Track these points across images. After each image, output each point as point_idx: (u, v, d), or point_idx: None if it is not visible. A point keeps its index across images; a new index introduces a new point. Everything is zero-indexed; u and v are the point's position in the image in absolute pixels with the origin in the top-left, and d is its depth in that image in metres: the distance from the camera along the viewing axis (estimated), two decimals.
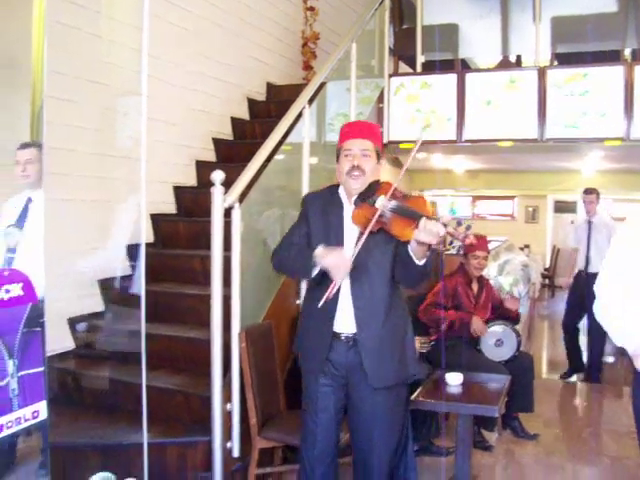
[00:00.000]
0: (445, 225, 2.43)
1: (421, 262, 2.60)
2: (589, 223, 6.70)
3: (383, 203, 2.62)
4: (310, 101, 4.34)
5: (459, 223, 2.48)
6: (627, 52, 6.17)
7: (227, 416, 3.46)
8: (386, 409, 2.92)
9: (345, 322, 2.85)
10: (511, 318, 4.91)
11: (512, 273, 10.26)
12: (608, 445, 4.75)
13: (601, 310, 2.73)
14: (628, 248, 2.72)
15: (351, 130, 2.92)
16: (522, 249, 13.40)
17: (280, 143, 4.01)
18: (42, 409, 1.86)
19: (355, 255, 2.70)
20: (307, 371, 3.00)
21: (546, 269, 14.43)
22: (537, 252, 14.28)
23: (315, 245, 2.78)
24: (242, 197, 3.54)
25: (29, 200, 3.01)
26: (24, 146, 2.80)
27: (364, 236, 2.67)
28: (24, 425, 1.79)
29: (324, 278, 2.75)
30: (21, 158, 2.81)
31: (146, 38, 2.87)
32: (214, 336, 3.34)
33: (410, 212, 2.57)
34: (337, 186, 2.97)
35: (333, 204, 2.92)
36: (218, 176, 3.30)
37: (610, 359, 8.10)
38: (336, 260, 2.69)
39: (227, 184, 3.43)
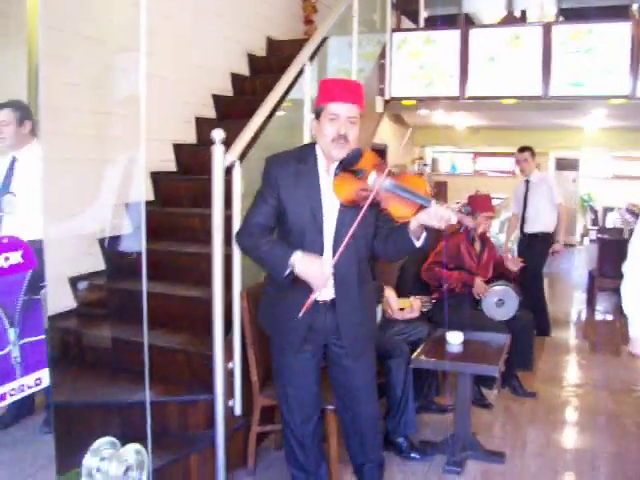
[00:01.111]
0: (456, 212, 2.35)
1: (419, 242, 2.52)
2: (526, 182, 6.56)
3: (380, 182, 2.44)
4: (311, 57, 4.26)
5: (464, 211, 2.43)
6: (635, 7, 6.05)
7: (228, 374, 3.47)
8: (367, 369, 2.94)
9: (325, 290, 2.71)
10: (511, 278, 4.90)
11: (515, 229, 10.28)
12: (605, 403, 4.79)
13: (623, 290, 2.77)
14: None
15: (338, 91, 2.63)
16: None
17: (281, 100, 3.95)
18: (44, 376, 1.85)
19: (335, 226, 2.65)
20: (285, 344, 2.87)
21: None
22: None
23: (291, 223, 2.67)
24: (243, 155, 3.49)
25: (14, 159, 2.97)
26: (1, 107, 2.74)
27: (356, 223, 2.48)
28: (27, 392, 1.78)
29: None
30: None
31: None
32: (215, 295, 3.32)
33: (413, 195, 2.42)
34: (311, 146, 2.77)
35: (307, 171, 2.69)
36: (218, 134, 3.24)
37: (609, 317, 8.15)
38: (316, 272, 2.55)
39: (227, 141, 3.38)
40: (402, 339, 4.02)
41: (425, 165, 12.59)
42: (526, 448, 3.99)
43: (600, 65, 5.36)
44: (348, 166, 2.55)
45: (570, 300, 9.62)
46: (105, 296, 4.31)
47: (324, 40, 4.66)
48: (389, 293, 4.16)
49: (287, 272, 2.60)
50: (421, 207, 2.40)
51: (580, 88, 5.44)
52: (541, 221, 6.45)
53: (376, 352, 3.09)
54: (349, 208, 2.58)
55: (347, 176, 2.54)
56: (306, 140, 4.22)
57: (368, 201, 2.45)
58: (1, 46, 2.97)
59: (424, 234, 2.52)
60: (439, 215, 2.34)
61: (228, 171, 3.39)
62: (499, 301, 4.67)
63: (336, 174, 2.60)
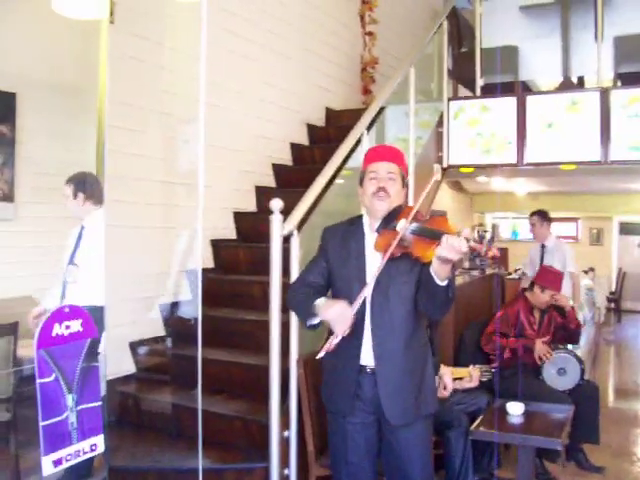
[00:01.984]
0: (468, 240, 2.31)
1: (443, 282, 2.47)
2: (542, 247, 6.45)
3: (404, 226, 2.54)
4: (369, 126, 4.34)
5: (481, 238, 2.46)
6: None
7: (284, 443, 3.45)
8: (418, 442, 2.81)
9: (370, 354, 2.74)
10: (573, 332, 4.78)
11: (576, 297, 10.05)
12: None
13: None
14: None
15: (376, 153, 2.88)
16: (586, 272, 13.13)
17: (339, 169, 4.02)
18: (100, 442, 1.89)
19: (375, 280, 2.63)
20: (335, 413, 2.87)
21: (612, 292, 14.07)
22: (602, 275, 13.94)
23: (338, 281, 2.78)
24: (301, 223, 3.55)
25: (82, 228, 3.12)
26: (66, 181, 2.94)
27: (384, 261, 2.56)
28: (82, 457, 1.82)
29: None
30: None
31: (203, 66, 2.93)
32: (273, 362, 3.34)
33: (431, 232, 2.47)
34: (359, 217, 2.91)
35: (354, 233, 2.84)
36: (277, 204, 3.31)
37: None
38: (337, 313, 2.56)
39: (286, 209, 3.44)
40: (461, 409, 3.94)
41: (485, 232, 12.49)
42: None
43: None
44: (387, 223, 2.66)
45: (638, 369, 9.27)
46: (164, 361, 4.37)
47: (382, 109, 4.74)
48: (444, 370, 4.04)
49: (315, 319, 2.67)
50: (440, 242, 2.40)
51: (639, 152, 5.37)
52: None
53: (434, 423, 3.03)
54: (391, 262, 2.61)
55: (385, 232, 2.64)
56: (363, 208, 4.26)
57: (395, 243, 2.53)
58: (77, 120, 3.15)
59: (449, 275, 2.49)
60: (449, 244, 2.32)
61: (286, 239, 3.44)
62: (560, 370, 4.55)
63: (379, 232, 2.68)
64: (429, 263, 2.47)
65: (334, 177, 3.96)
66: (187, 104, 3.86)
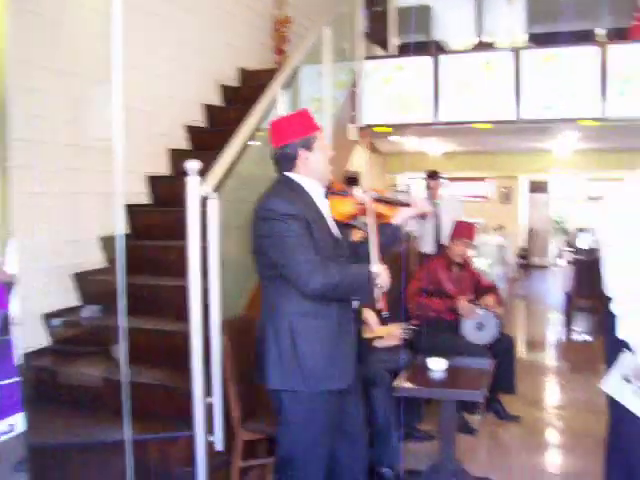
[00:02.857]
0: None
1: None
2: (434, 204, 6.48)
3: (368, 194, 2.80)
4: (284, 85, 4.26)
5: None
6: (599, 32, 6.14)
7: (209, 409, 3.41)
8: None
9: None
10: (490, 292, 4.90)
11: (488, 255, 10.35)
12: (590, 424, 4.76)
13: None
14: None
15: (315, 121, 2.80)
16: (496, 230, 13.50)
17: (255, 129, 3.93)
18: (18, 421, 1.78)
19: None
20: (337, 381, 2.66)
21: (521, 249, 14.55)
22: (511, 233, 14.36)
23: (318, 247, 2.58)
24: (218, 185, 3.45)
25: None
26: None
27: (375, 229, 2.72)
28: (1, 439, 1.72)
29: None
30: None
31: (117, 24, 2.78)
32: (193, 329, 3.27)
33: (395, 199, 2.90)
34: (288, 179, 2.72)
35: (303, 197, 2.68)
36: (193, 165, 3.22)
37: (587, 337, 8.18)
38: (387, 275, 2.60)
39: (202, 173, 3.35)
40: (383, 367, 3.97)
41: (401, 192, 12.65)
42: (513, 473, 3.96)
43: (570, 88, 5.42)
44: (333, 190, 2.83)
45: (547, 321, 9.65)
46: (81, 332, 4.22)
47: (296, 69, 4.65)
48: (368, 313, 4.12)
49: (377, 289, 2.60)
50: (400, 206, 2.89)
51: (551, 111, 5.49)
52: None
53: None
54: (342, 224, 2.82)
55: (335, 197, 2.81)
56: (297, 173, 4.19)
57: (369, 209, 2.76)
58: None
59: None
60: (420, 205, 2.91)
61: (203, 203, 3.35)
62: (479, 325, 4.65)
63: (327, 197, 2.79)
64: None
65: (250, 138, 3.87)
66: (95, 63, 3.69)
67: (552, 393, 5.80)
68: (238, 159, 3.70)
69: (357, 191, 2.81)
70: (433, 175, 6.63)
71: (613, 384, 2.93)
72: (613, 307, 2.84)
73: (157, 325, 4.01)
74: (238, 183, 3.81)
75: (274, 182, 2.76)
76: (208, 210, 3.37)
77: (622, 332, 2.80)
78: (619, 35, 5.92)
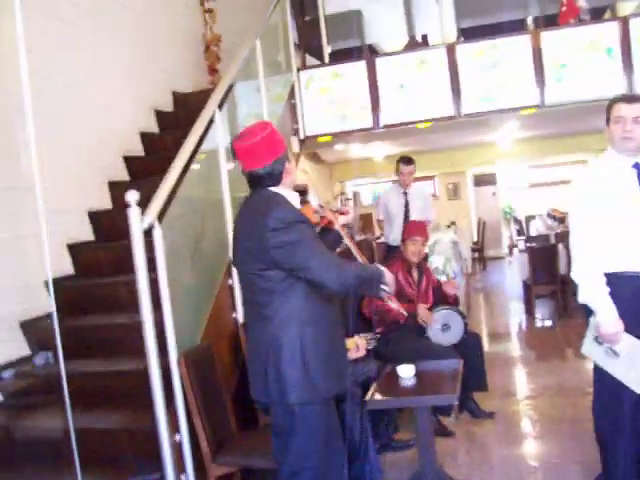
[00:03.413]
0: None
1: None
2: (405, 194, 6.31)
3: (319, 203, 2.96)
4: (220, 105, 4.14)
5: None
6: (529, 20, 6.19)
7: (177, 447, 3.26)
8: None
9: None
10: (450, 302, 4.83)
11: (443, 252, 10.35)
12: (564, 410, 4.74)
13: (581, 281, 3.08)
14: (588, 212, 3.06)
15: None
16: (448, 227, 13.55)
17: (194, 152, 3.80)
18: None
19: None
20: (334, 399, 2.78)
21: (475, 243, 14.64)
22: (463, 228, 14.46)
23: None
24: (162, 214, 3.32)
25: None
26: None
27: (343, 233, 2.97)
28: None
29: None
30: None
31: (23, 56, 2.63)
32: (151, 365, 3.11)
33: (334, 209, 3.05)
34: (277, 195, 2.71)
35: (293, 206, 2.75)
36: (132, 196, 3.07)
37: (549, 323, 8.22)
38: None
39: (144, 202, 3.21)
40: (352, 381, 3.86)
41: (348, 199, 12.61)
42: (494, 471, 3.89)
43: (507, 78, 5.44)
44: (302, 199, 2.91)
45: (508, 312, 9.69)
46: (33, 383, 4.02)
47: (231, 86, 4.54)
48: None
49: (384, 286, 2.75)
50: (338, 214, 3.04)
51: (491, 103, 5.50)
52: None
53: None
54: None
55: (306, 206, 2.94)
56: (225, 190, 4.08)
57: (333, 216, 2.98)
58: None
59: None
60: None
61: (148, 233, 3.21)
62: (444, 326, 4.58)
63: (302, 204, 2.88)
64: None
65: (190, 162, 3.74)
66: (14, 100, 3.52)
67: (522, 383, 5.76)
68: (179, 185, 3.55)
69: (314, 202, 2.92)
70: (406, 160, 6.23)
71: (589, 347, 3.15)
72: (574, 275, 3.12)
73: (114, 366, 3.84)
74: (183, 209, 3.68)
75: (261, 198, 2.70)
76: (154, 240, 3.23)
77: (580, 297, 3.11)
78: (550, 22, 5.97)
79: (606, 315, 3.00)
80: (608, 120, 3.16)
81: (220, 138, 4.10)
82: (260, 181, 2.71)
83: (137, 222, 3.09)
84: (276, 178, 2.72)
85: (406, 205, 6.26)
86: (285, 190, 2.76)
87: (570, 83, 5.41)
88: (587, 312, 3.15)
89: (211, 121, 4.06)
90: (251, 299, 2.77)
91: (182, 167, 3.58)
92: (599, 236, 3.04)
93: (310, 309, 2.66)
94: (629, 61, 5.46)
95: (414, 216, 6.15)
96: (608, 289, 3.00)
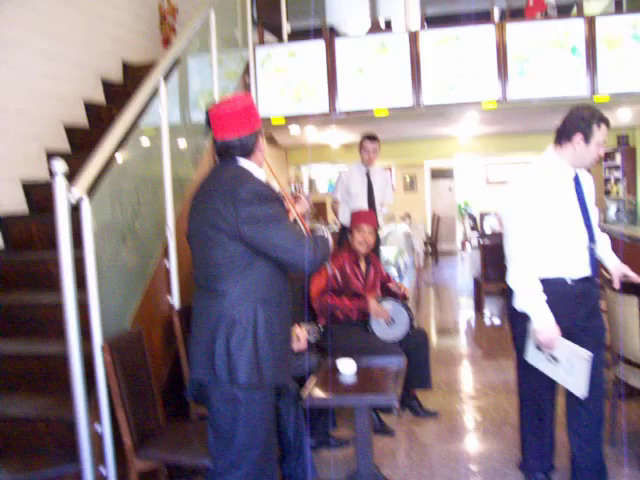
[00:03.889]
0: None
1: None
2: (367, 175, 6.03)
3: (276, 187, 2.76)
4: (166, 76, 3.89)
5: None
6: (496, 11, 6.04)
7: (97, 439, 3.04)
8: None
9: None
10: (399, 296, 4.67)
11: (395, 244, 10.26)
12: (508, 409, 4.64)
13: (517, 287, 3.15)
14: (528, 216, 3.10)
15: None
16: (403, 219, 13.49)
17: (134, 124, 3.55)
18: None
19: None
20: (276, 387, 2.71)
21: (428, 237, 14.59)
22: (418, 220, 14.41)
23: None
24: (93, 188, 3.08)
25: None
26: None
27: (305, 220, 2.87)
28: None
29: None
30: None
31: None
32: (71, 351, 2.90)
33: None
34: (245, 170, 2.64)
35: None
36: (59, 166, 2.84)
37: (497, 320, 8.17)
38: None
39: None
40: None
41: (301, 185, 12.40)
42: (434, 474, 3.75)
43: (469, 70, 5.29)
44: None
45: (458, 308, 9.63)
46: None
47: (180, 57, 4.29)
48: None
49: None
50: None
51: (451, 94, 5.36)
52: None
53: None
54: None
55: None
56: (167, 168, 3.84)
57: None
58: None
59: None
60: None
61: (77, 208, 2.98)
62: (389, 320, 4.42)
63: None
64: None
65: (128, 134, 3.49)
66: None
67: (468, 381, 5.66)
68: (113, 159, 3.31)
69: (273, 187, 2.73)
70: (371, 137, 5.91)
71: (532, 354, 3.21)
72: (510, 281, 3.18)
73: (36, 348, 3.57)
74: (117, 185, 3.44)
75: (231, 170, 2.63)
76: (81, 216, 2.99)
77: (517, 303, 3.15)
78: (517, 15, 5.85)
79: (542, 322, 3.04)
80: (588, 138, 3.09)
81: (164, 111, 3.84)
82: (232, 152, 2.64)
83: (63, 194, 2.87)
84: (248, 151, 2.66)
85: (369, 185, 5.99)
86: (254, 166, 2.69)
87: (533, 79, 5.31)
88: (512, 321, 3.37)
89: (156, 92, 3.81)
90: (205, 273, 2.63)
91: (119, 139, 3.33)
92: (534, 242, 3.10)
93: (267, 289, 2.58)
94: (593, 61, 5.38)
95: (377, 197, 5.96)
96: (544, 296, 3.05)
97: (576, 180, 3.20)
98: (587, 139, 3.08)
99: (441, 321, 8.77)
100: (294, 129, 7.68)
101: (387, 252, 8.96)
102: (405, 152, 12.52)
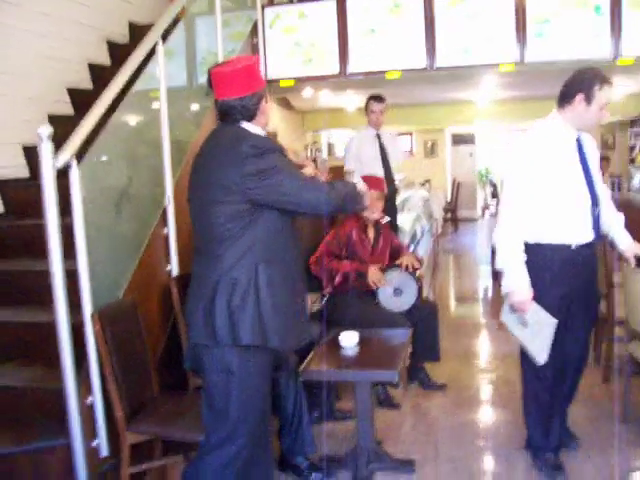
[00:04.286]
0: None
1: None
2: (378, 137, 5.69)
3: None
4: (164, 36, 3.75)
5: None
6: None
7: (88, 411, 2.97)
8: None
9: None
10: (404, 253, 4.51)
11: (413, 209, 10.08)
12: (517, 385, 4.50)
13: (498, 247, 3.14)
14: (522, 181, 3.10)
15: None
16: (423, 185, 13.26)
17: (128, 86, 3.42)
18: None
19: None
20: (275, 359, 2.70)
21: (448, 203, 14.38)
22: (438, 187, 14.17)
23: None
24: (82, 153, 2.97)
25: None
26: None
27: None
28: None
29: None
30: None
31: None
32: (59, 319, 2.84)
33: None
34: (245, 129, 2.59)
35: None
36: (45, 131, 2.72)
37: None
38: None
39: None
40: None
41: (319, 151, 12.20)
42: (438, 451, 3.64)
43: (486, 31, 5.06)
44: None
45: (476, 276, 9.47)
46: None
47: (180, 18, 4.14)
48: None
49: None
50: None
51: (467, 56, 5.14)
52: None
53: None
54: None
55: None
56: (165, 133, 3.70)
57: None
58: None
59: None
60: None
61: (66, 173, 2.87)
62: (396, 290, 4.28)
63: None
64: None
65: (122, 96, 3.36)
66: None
67: (479, 353, 5.53)
68: (105, 122, 3.19)
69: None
70: (377, 97, 5.60)
71: (505, 316, 3.27)
72: (494, 239, 3.17)
73: (32, 316, 3.48)
74: (111, 150, 3.32)
75: (232, 130, 2.58)
76: (70, 181, 2.88)
77: (497, 262, 3.16)
78: None
79: (517, 283, 3.08)
80: (590, 98, 3.02)
81: (162, 73, 3.70)
82: (232, 113, 2.57)
83: (48, 159, 2.76)
84: (250, 113, 2.59)
85: (382, 149, 5.65)
86: (256, 128, 2.62)
87: (552, 40, 5.06)
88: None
89: (153, 53, 3.67)
90: (204, 236, 2.58)
91: (110, 102, 3.20)
92: (530, 206, 3.08)
93: (268, 248, 2.53)
94: (618, 22, 5.10)
95: (392, 161, 5.67)
96: (524, 258, 3.07)
97: (579, 143, 3.16)
98: (588, 100, 3.02)
99: (457, 289, 8.64)
100: (306, 92, 7.49)
101: (403, 219, 8.79)
102: (425, 117, 12.25)
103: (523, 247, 3.08)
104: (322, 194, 2.50)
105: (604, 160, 9.96)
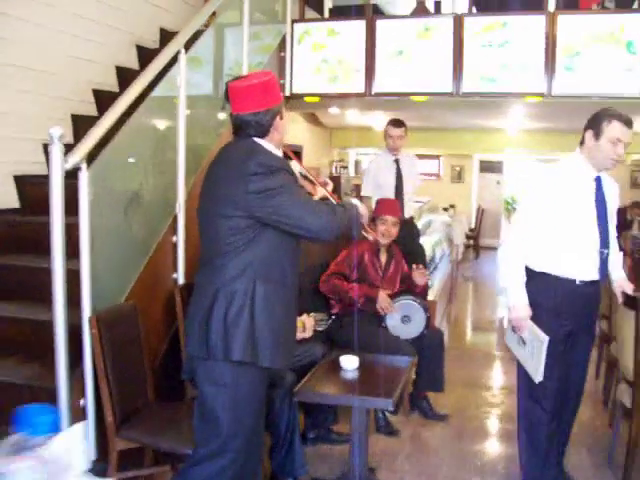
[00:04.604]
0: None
1: None
2: (396, 162, 5.53)
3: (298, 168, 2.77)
4: (187, 45, 3.76)
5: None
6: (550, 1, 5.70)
7: (80, 413, 2.96)
8: None
9: None
10: (418, 293, 4.45)
11: (434, 233, 10.00)
12: None
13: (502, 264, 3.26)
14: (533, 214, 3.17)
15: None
16: (447, 209, 13.17)
17: (144, 94, 3.43)
18: None
19: None
20: (270, 376, 2.72)
21: (471, 229, 14.26)
22: (462, 212, 14.07)
23: None
24: (92, 157, 2.97)
25: None
26: None
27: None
28: None
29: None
30: None
31: None
32: (57, 319, 2.83)
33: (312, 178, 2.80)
34: (258, 144, 2.57)
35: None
36: (55, 132, 2.73)
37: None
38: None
39: None
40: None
41: (344, 168, 12.17)
42: None
43: (514, 60, 5.01)
44: None
45: (493, 305, 9.36)
46: None
47: (204, 29, 4.16)
48: None
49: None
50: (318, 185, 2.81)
51: (493, 84, 5.08)
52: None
53: None
54: None
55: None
56: (181, 141, 3.70)
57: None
58: None
59: None
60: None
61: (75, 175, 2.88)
62: (405, 317, 4.24)
63: None
64: None
65: (139, 102, 3.37)
66: None
67: (488, 384, 5.42)
68: (119, 127, 3.19)
69: (295, 169, 2.72)
70: (395, 122, 5.48)
71: (509, 336, 3.37)
72: (499, 254, 3.37)
73: (36, 314, 3.47)
74: (123, 155, 3.33)
75: (244, 145, 2.56)
76: (78, 183, 2.89)
77: (501, 280, 3.32)
78: (570, 5, 5.51)
79: (517, 300, 3.16)
80: (598, 134, 3.06)
81: (183, 81, 3.71)
82: (246, 128, 2.56)
83: (58, 160, 2.76)
84: (263, 129, 2.58)
85: (398, 175, 5.51)
86: (270, 145, 2.60)
87: (581, 74, 4.99)
88: None
89: (175, 61, 3.69)
90: (209, 249, 2.60)
91: (127, 106, 3.21)
92: (539, 235, 3.15)
93: (268, 267, 2.52)
94: None
95: (408, 188, 5.52)
96: (524, 278, 3.16)
97: (598, 183, 3.18)
98: (597, 135, 3.06)
99: (473, 318, 8.54)
100: (333, 109, 7.48)
101: (423, 242, 8.72)
102: (453, 142, 12.18)
103: (524, 270, 3.17)
104: (321, 221, 2.49)
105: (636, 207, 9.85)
